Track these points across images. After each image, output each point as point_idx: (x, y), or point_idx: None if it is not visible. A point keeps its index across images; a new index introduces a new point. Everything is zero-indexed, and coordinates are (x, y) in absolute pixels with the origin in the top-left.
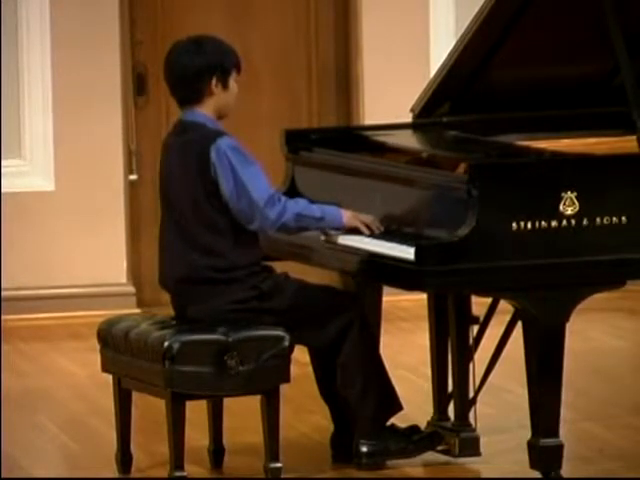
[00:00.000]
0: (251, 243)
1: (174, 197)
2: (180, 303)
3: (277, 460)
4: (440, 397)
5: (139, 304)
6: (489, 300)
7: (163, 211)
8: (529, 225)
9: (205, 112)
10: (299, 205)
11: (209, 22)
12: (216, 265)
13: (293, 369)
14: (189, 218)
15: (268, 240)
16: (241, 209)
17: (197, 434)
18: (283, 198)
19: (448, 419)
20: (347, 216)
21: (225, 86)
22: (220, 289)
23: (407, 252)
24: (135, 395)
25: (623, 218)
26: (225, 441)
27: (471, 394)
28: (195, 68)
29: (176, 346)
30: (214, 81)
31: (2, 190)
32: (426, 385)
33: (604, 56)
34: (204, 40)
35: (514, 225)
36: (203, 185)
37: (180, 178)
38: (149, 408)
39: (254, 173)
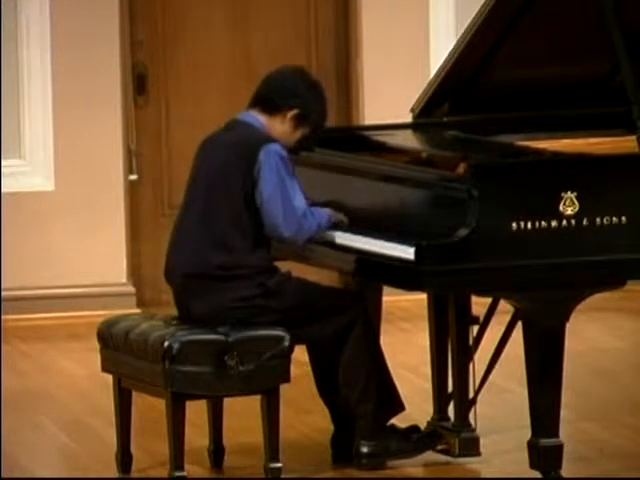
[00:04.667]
0: (266, 245)
1: (207, 191)
2: (183, 298)
3: (277, 460)
4: (440, 397)
5: (139, 304)
6: (489, 300)
7: (188, 204)
8: (529, 225)
9: (264, 123)
10: (314, 216)
11: (209, 22)
12: (228, 262)
13: (293, 369)
14: (218, 214)
15: None
16: (275, 214)
17: (197, 434)
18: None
19: (448, 419)
20: (329, 215)
21: (295, 126)
22: (225, 286)
23: (407, 252)
24: (135, 395)
25: (623, 218)
26: (225, 441)
27: (471, 394)
28: (295, 91)
29: (176, 346)
30: (294, 112)
31: (2, 190)
32: (426, 385)
33: (604, 56)
34: (320, 86)
35: (514, 225)
36: (242, 183)
37: (220, 173)
38: (149, 408)
39: (295, 185)
